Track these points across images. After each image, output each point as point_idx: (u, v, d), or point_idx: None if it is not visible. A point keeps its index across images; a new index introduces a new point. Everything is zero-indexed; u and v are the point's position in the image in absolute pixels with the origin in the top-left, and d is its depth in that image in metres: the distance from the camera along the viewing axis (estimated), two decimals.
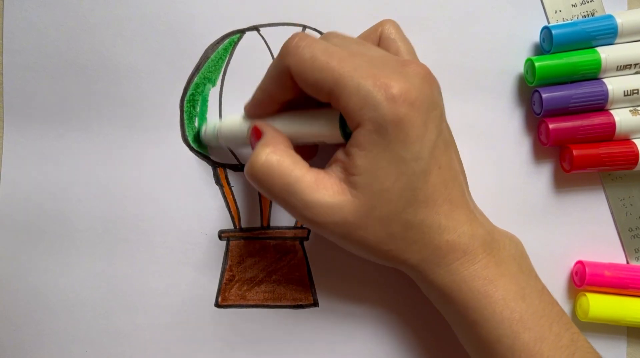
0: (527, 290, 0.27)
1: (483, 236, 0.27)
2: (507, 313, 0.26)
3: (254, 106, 0.29)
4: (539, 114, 0.33)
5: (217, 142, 0.32)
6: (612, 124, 0.32)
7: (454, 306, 0.27)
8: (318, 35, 0.33)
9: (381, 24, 0.29)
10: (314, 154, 0.32)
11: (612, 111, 0.32)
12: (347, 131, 0.26)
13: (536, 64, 0.32)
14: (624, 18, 0.32)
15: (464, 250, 0.27)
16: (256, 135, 0.28)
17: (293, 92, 0.27)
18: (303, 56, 0.26)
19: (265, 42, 0.33)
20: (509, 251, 0.28)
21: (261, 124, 0.29)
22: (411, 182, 0.26)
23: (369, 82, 0.25)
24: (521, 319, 0.26)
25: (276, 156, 0.26)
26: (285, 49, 0.26)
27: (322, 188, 0.26)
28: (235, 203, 0.34)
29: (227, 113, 0.33)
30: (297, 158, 0.27)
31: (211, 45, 0.33)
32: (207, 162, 0.34)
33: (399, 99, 0.24)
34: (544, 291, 0.28)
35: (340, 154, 0.27)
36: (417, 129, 0.25)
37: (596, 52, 0.32)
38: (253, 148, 0.27)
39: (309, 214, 0.26)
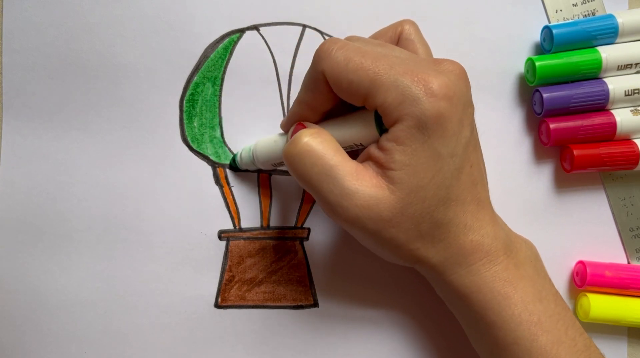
0: (543, 293, 0.27)
1: (504, 238, 0.27)
2: (525, 315, 0.26)
3: (292, 120, 0.29)
4: (539, 114, 0.33)
5: (254, 165, 0.32)
6: (613, 124, 0.32)
7: (472, 307, 0.27)
8: (319, 34, 0.33)
9: (401, 23, 0.29)
10: None
11: (613, 111, 0.32)
12: (382, 129, 0.26)
13: (537, 63, 0.32)
14: (624, 18, 0.32)
15: (487, 250, 0.26)
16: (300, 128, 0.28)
17: (329, 100, 0.27)
18: (337, 59, 0.25)
19: (265, 41, 0.33)
20: (525, 254, 0.28)
21: (304, 122, 0.28)
22: (446, 179, 0.25)
23: (407, 78, 0.24)
24: (539, 322, 0.26)
25: (319, 139, 0.26)
26: (318, 54, 0.26)
27: (362, 178, 0.25)
28: (235, 203, 0.34)
29: (262, 135, 0.32)
30: (339, 147, 0.26)
31: (211, 44, 0.33)
32: (207, 162, 0.34)
33: (439, 94, 0.24)
34: (558, 295, 0.28)
35: (373, 150, 0.26)
36: (454, 125, 0.25)
37: (597, 51, 0.32)
38: None
39: (345, 203, 0.25)
